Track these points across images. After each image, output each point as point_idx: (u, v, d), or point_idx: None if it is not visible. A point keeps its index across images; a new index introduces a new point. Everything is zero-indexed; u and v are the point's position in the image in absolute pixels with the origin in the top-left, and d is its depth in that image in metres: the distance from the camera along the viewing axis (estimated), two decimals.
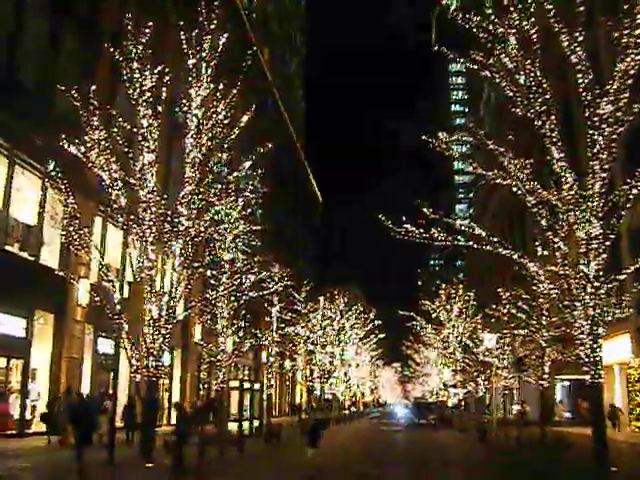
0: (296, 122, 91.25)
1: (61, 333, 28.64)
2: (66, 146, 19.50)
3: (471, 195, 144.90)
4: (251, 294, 28.13)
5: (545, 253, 25.59)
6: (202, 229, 20.07)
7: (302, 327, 50.60)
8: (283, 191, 67.50)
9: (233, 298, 27.39)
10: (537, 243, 26.83)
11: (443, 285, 64.00)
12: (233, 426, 31.02)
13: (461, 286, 62.98)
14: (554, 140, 19.09)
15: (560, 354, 28.05)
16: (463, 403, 69.12)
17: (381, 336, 79.76)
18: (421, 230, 20.00)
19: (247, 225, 25.58)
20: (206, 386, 43.39)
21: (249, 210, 26.03)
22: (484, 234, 19.85)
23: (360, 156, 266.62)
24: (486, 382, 46.31)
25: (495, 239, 20.00)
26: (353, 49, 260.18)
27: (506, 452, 25.03)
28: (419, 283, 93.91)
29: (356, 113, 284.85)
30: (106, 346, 31.39)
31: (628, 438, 30.48)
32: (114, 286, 19.53)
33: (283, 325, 43.57)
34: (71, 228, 19.31)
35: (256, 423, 36.27)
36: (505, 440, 25.93)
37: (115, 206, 19.51)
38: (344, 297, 64.69)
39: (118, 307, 19.05)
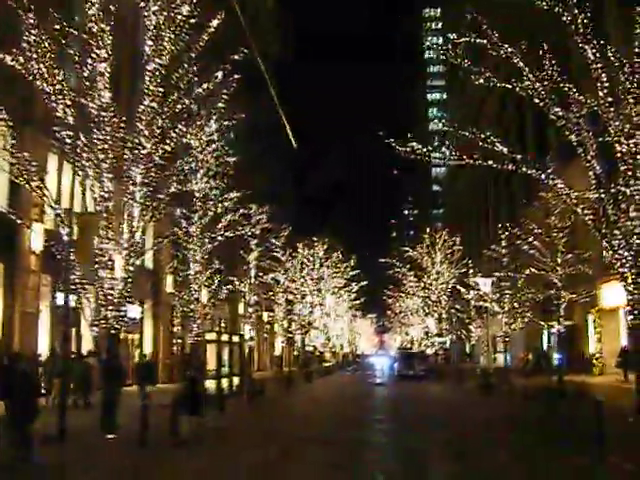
0: (270, 67, 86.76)
1: (12, 284, 25.41)
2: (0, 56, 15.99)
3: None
4: (227, 234, 25.04)
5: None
6: (167, 150, 16.69)
7: (282, 275, 47.67)
8: (256, 130, 63.72)
9: (206, 240, 24.30)
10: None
11: (427, 230, 61.36)
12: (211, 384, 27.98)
13: (445, 231, 60.55)
14: (587, 38, 16.05)
15: (577, 295, 25.40)
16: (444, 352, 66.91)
17: (363, 283, 77.16)
18: (429, 147, 17.01)
19: (220, 152, 22.21)
20: (180, 340, 40.36)
21: (220, 138, 22.65)
22: (505, 150, 16.84)
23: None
24: (479, 329, 43.92)
25: (519, 156, 16.97)
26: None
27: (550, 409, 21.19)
28: (393, 234, 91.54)
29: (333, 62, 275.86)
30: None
31: None
32: (63, 222, 16.17)
33: (261, 273, 40.72)
34: (15, 162, 15.90)
35: (236, 380, 33.40)
36: (522, 392, 22.61)
37: (60, 125, 16.02)
38: (323, 245, 62.04)
39: (68, 246, 15.74)
